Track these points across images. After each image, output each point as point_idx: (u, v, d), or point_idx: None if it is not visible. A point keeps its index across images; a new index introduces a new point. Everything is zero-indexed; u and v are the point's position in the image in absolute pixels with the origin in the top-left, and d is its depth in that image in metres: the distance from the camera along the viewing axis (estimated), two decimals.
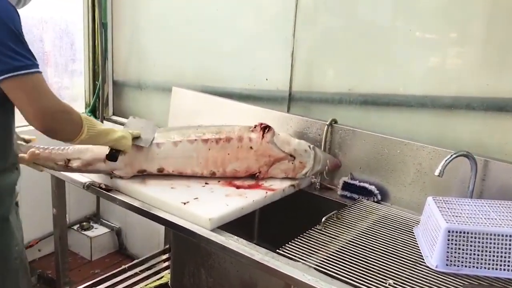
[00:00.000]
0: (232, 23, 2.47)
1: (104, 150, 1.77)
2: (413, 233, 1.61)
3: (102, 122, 3.07)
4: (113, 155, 1.68)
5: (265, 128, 1.91)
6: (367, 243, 1.51)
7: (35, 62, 1.31)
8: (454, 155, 1.55)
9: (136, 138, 1.79)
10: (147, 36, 2.90)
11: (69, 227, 3.13)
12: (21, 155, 1.64)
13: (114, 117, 3.14)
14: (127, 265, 2.57)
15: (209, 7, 2.53)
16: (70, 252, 3.13)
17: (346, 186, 1.95)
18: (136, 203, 1.71)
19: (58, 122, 1.39)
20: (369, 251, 1.46)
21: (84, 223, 3.19)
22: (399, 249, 1.48)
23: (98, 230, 3.17)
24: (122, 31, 3.00)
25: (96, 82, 3.10)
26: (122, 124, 3.01)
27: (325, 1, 2.14)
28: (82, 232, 3.12)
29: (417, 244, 1.53)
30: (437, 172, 1.52)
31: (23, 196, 2.80)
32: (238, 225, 1.69)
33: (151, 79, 2.93)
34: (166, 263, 2.67)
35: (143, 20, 2.88)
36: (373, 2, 2.02)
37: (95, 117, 3.13)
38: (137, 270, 2.58)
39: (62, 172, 1.92)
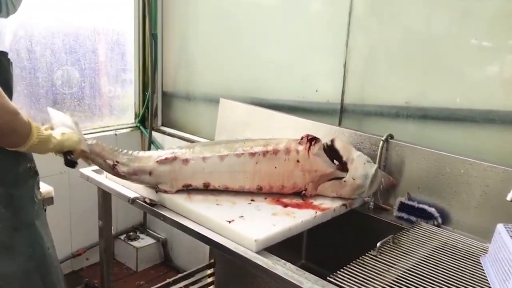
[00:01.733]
0: (281, 33, 2.39)
1: (151, 163, 1.76)
2: (480, 262, 1.45)
3: (151, 132, 3.07)
4: (70, 161, 1.51)
5: (312, 140, 1.80)
6: (427, 273, 1.36)
7: None
8: None
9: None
10: (196, 47, 2.88)
11: (116, 237, 3.15)
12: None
13: (163, 128, 3.13)
14: (171, 279, 2.52)
15: (258, 17, 2.47)
16: (116, 262, 3.15)
17: (403, 207, 1.80)
18: (180, 220, 1.66)
19: (5, 122, 1.27)
20: (430, 282, 1.31)
21: (131, 233, 3.19)
22: (464, 281, 1.33)
23: (144, 241, 3.16)
24: (172, 42, 3.00)
25: (146, 93, 3.11)
26: (171, 135, 3.02)
27: (380, 8, 2.02)
28: (129, 242, 3.13)
29: (485, 276, 1.37)
30: (509, 197, 1.36)
31: (71, 206, 2.86)
32: (285, 244, 1.59)
33: (200, 90, 2.91)
34: (211, 278, 2.60)
35: (192, 31, 2.87)
36: (431, 9, 1.88)
37: (144, 127, 3.14)
38: (181, 284, 2.53)
39: (108, 185, 1.91)
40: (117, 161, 1.74)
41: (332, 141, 1.83)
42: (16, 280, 1.42)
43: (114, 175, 1.81)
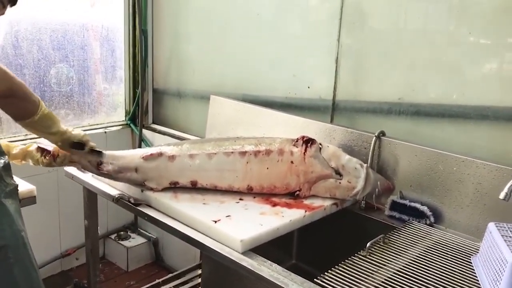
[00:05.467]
0: (273, 29, 2.35)
1: (136, 159, 1.73)
2: (471, 263, 1.41)
3: (141, 130, 3.03)
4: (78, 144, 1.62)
5: (308, 142, 1.76)
6: (417, 273, 1.32)
7: None
8: None
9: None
10: (187, 44, 2.83)
11: (107, 236, 3.11)
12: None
13: (154, 125, 3.09)
14: (161, 279, 2.48)
15: (250, 13, 2.43)
16: (107, 261, 3.10)
17: (395, 206, 1.76)
18: (164, 219, 1.61)
19: (16, 84, 1.37)
20: (419, 283, 1.27)
21: (122, 233, 3.14)
22: (455, 282, 1.29)
23: (135, 240, 3.11)
24: (163, 39, 2.95)
25: (136, 90, 3.06)
26: (161, 132, 2.97)
27: (372, 3, 1.98)
28: (119, 241, 3.08)
29: (475, 276, 1.33)
30: (502, 196, 1.32)
31: (60, 206, 2.81)
32: (275, 244, 1.55)
33: (191, 88, 2.86)
34: (201, 279, 2.56)
35: (183, 27, 2.82)
36: (425, 3, 1.84)
37: (135, 125, 3.09)
38: (171, 285, 2.49)
39: (93, 184, 1.87)
40: (101, 161, 1.70)
41: (320, 150, 1.78)
42: None
43: (100, 175, 1.77)
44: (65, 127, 1.59)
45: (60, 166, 1.73)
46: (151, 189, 1.74)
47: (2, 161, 1.51)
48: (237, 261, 1.37)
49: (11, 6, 1.44)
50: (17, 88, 1.38)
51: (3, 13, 1.44)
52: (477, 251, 1.44)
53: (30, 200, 1.74)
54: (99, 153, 1.70)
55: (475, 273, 1.35)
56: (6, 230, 1.42)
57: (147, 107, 3.08)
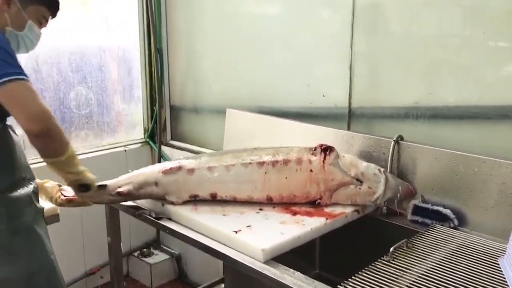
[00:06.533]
0: (285, 40, 2.37)
1: (155, 174, 1.75)
2: (498, 264, 1.37)
3: (160, 147, 3.06)
4: (84, 186, 1.63)
5: (327, 150, 1.75)
6: (443, 277, 1.29)
7: (22, 71, 1.38)
8: None
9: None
10: (201, 60, 2.87)
11: (130, 253, 3.12)
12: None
13: (172, 142, 3.12)
14: None
15: (263, 24, 2.45)
16: (130, 279, 3.12)
17: (417, 210, 1.73)
18: (186, 232, 1.62)
19: (54, 125, 1.40)
20: (447, 286, 1.25)
21: (145, 250, 3.16)
22: (483, 284, 1.26)
23: (158, 257, 3.12)
24: (178, 56, 3.00)
25: (154, 107, 3.10)
26: (180, 148, 3.00)
27: (385, 8, 1.98)
28: (143, 258, 3.09)
29: (504, 277, 1.30)
30: None
31: (83, 224, 2.84)
32: (298, 254, 1.54)
33: (207, 102, 2.89)
34: None
35: (197, 43, 2.86)
36: (438, 8, 1.83)
37: (154, 142, 3.13)
38: None
39: None
40: (119, 186, 1.72)
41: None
42: (20, 284, 1.44)
43: (125, 201, 1.79)
44: (83, 168, 1.59)
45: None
46: (172, 203, 1.75)
47: (32, 185, 1.56)
48: (259, 270, 1.37)
49: (52, 18, 1.61)
50: (52, 129, 1.40)
51: (45, 26, 1.60)
52: (504, 252, 1.41)
53: (54, 218, 1.78)
54: (104, 186, 1.72)
55: (503, 274, 1.31)
56: (37, 257, 1.48)
57: (165, 124, 3.11)
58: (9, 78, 1.33)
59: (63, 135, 1.46)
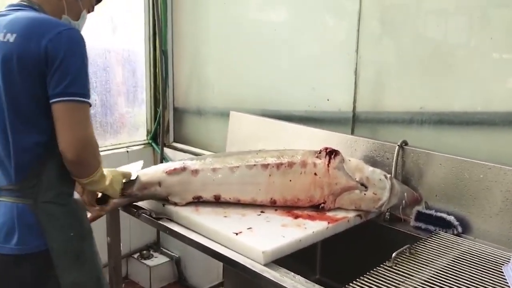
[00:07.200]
0: (291, 43, 2.36)
1: (159, 173, 1.74)
2: (502, 272, 1.35)
3: (162, 149, 3.05)
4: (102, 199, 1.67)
5: (332, 153, 1.73)
6: (446, 284, 1.27)
7: (89, 94, 1.35)
8: None
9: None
10: (206, 62, 2.86)
11: (130, 255, 3.10)
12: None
13: (175, 144, 3.10)
14: None
15: (268, 28, 2.45)
16: (129, 281, 3.10)
17: (421, 216, 1.71)
18: (185, 232, 1.60)
19: (89, 154, 1.37)
20: None
21: (144, 252, 3.14)
22: None
23: (158, 259, 3.10)
24: (183, 58, 2.99)
25: (158, 109, 3.09)
26: (182, 150, 2.99)
27: (391, 14, 1.97)
28: (142, 261, 3.07)
29: (508, 285, 1.27)
30: None
31: None
32: (299, 258, 1.52)
33: (211, 105, 2.88)
34: None
35: (202, 47, 2.86)
36: (444, 14, 1.82)
37: (156, 144, 3.12)
38: None
39: None
40: (122, 188, 1.70)
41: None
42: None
43: (130, 202, 1.78)
44: (108, 182, 1.56)
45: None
46: (175, 203, 1.74)
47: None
48: (260, 272, 1.35)
49: (97, 3, 1.61)
50: (86, 159, 1.37)
51: (92, 11, 1.61)
52: (509, 260, 1.39)
53: None
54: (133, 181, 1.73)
55: (507, 282, 1.29)
56: (99, 261, 1.51)
57: (168, 125, 3.10)
58: (76, 98, 1.31)
59: (96, 161, 1.42)
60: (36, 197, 1.35)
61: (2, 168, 1.38)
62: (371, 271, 1.33)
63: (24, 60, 1.28)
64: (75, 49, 1.32)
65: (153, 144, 3.14)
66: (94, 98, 2.89)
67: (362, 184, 1.71)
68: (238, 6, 2.61)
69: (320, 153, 1.75)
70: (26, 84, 1.30)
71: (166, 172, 1.74)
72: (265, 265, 1.38)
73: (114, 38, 2.94)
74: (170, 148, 3.07)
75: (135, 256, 3.11)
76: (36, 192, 1.35)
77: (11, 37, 1.30)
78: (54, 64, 1.28)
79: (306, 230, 1.56)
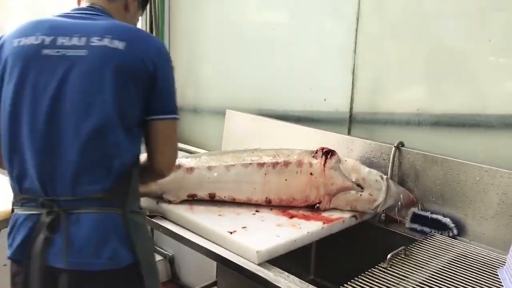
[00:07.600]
0: (288, 42, 2.35)
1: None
2: (497, 275, 1.34)
3: None
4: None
5: (328, 153, 1.72)
6: (442, 285, 1.27)
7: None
8: None
9: None
10: (203, 63, 2.84)
11: None
12: None
13: None
14: None
15: (265, 29, 2.44)
16: None
17: (416, 218, 1.71)
18: (179, 231, 1.59)
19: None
20: None
21: None
22: None
23: None
24: (179, 58, 2.97)
25: None
26: (178, 149, 2.96)
27: (389, 14, 1.96)
28: None
29: None
30: None
31: None
32: (293, 258, 1.51)
33: (207, 103, 2.86)
34: None
35: (199, 47, 2.84)
36: (444, 16, 1.82)
37: None
38: None
39: None
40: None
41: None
42: None
43: None
44: None
45: None
46: (169, 201, 1.72)
47: None
48: (254, 272, 1.34)
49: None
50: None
51: (141, 15, 1.62)
52: (504, 263, 1.38)
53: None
54: None
55: (502, 285, 1.29)
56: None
57: None
58: (174, 116, 1.32)
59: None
60: (124, 206, 1.27)
61: (91, 175, 1.24)
62: (366, 272, 1.32)
63: (136, 72, 1.24)
64: (171, 66, 1.32)
65: None
66: None
67: (358, 185, 1.70)
68: (235, 6, 2.60)
69: (316, 153, 1.74)
70: (135, 95, 1.25)
71: None
72: (259, 264, 1.37)
73: None
74: None
75: None
76: (125, 201, 1.27)
77: (119, 44, 1.22)
78: (157, 81, 1.26)
79: (301, 230, 1.55)
